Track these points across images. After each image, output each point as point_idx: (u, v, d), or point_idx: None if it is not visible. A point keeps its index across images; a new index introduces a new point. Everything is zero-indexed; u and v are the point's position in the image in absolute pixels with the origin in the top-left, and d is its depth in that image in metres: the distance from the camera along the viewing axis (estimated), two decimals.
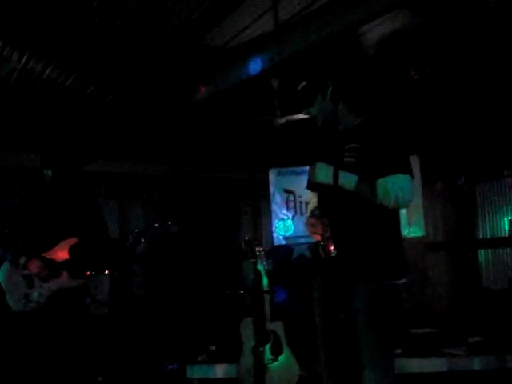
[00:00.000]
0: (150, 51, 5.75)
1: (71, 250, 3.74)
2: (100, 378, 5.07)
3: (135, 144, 8.05)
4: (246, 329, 4.81)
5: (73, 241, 3.78)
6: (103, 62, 5.97)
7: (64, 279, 3.70)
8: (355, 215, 2.80)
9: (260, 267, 4.89)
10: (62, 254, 3.71)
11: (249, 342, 4.78)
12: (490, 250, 8.77)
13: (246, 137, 8.36)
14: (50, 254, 3.70)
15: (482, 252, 8.86)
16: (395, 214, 2.89)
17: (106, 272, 6.97)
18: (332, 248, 2.60)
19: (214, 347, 5.76)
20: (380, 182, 2.71)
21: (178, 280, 8.76)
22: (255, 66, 5.17)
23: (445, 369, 5.18)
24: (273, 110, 6.82)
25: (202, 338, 6.25)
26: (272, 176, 8.51)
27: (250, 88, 6.29)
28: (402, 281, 2.84)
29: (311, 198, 3.21)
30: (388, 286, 2.79)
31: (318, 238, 2.67)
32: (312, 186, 3.03)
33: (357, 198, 2.78)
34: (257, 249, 4.92)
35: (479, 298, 8.09)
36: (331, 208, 2.83)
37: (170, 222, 4.13)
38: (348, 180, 2.70)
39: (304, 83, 2.90)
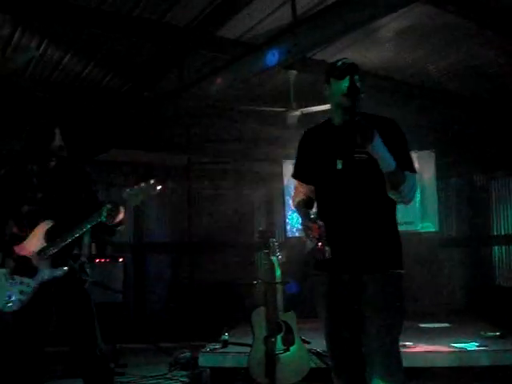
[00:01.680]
0: (166, 42, 5.79)
1: (48, 236, 3.39)
2: (112, 365, 5.10)
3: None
4: (258, 319, 4.83)
5: (49, 224, 3.42)
6: (120, 52, 6.02)
7: (45, 271, 3.37)
8: (361, 207, 2.80)
9: (273, 258, 4.91)
10: (36, 242, 3.38)
11: (260, 332, 4.80)
12: (503, 247, 8.72)
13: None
14: (24, 246, 3.41)
15: (495, 249, 8.82)
16: (395, 208, 2.91)
17: (121, 260, 6.99)
18: (327, 250, 2.64)
19: (226, 336, 5.79)
20: (409, 174, 2.73)
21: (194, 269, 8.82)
22: (272, 57, 5.18)
23: (456, 364, 5.18)
24: (288, 102, 6.83)
25: (215, 326, 6.29)
26: (286, 168, 8.51)
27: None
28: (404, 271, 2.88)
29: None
30: (395, 274, 2.82)
31: (314, 240, 2.68)
32: (305, 176, 3.08)
33: (364, 190, 2.80)
34: (270, 240, 4.94)
35: (492, 295, 8.07)
36: (334, 200, 2.85)
37: None
38: (391, 160, 2.65)
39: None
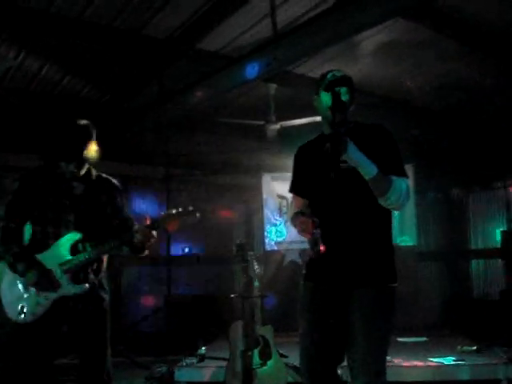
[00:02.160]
0: (146, 54, 5.78)
1: (73, 248, 3.18)
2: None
3: None
4: (236, 333, 4.79)
5: (76, 236, 3.20)
6: (101, 64, 5.99)
7: (66, 286, 3.15)
8: (355, 217, 2.79)
9: (251, 272, 4.89)
10: (60, 254, 3.16)
11: (238, 346, 4.76)
12: (481, 261, 8.79)
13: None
14: (46, 256, 3.17)
15: (473, 263, 8.88)
16: (390, 217, 2.91)
17: None
18: (322, 247, 2.60)
19: (203, 350, 5.75)
20: (395, 179, 2.72)
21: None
22: (252, 70, 5.18)
23: (433, 378, 5.18)
24: (268, 115, 6.84)
25: (192, 340, 6.23)
26: (265, 181, 8.51)
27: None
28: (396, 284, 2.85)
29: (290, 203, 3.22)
30: (388, 289, 2.80)
31: (308, 236, 2.64)
32: (301, 189, 3.06)
33: (356, 199, 2.79)
34: (248, 253, 4.92)
35: (470, 309, 8.10)
36: (328, 211, 2.82)
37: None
38: (371, 167, 2.66)
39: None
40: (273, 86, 6.62)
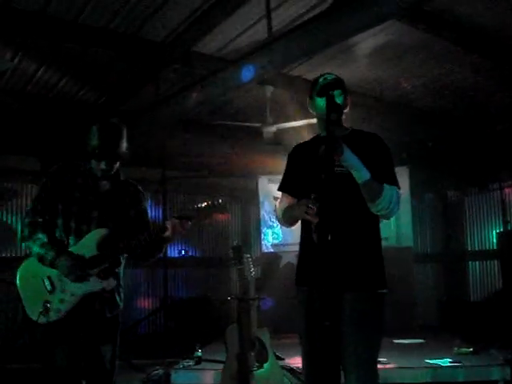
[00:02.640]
0: (141, 56, 5.78)
1: (100, 244, 3.08)
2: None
3: None
4: (232, 335, 4.78)
5: (103, 232, 3.12)
6: (97, 67, 5.99)
7: (94, 281, 3.05)
8: (345, 222, 2.80)
9: (247, 274, 4.88)
10: (87, 249, 3.05)
11: (234, 349, 4.75)
12: (477, 263, 8.81)
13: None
14: (77, 249, 3.06)
15: (469, 264, 8.90)
16: (378, 224, 2.93)
17: None
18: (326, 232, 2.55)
19: (199, 353, 5.74)
20: (387, 187, 2.74)
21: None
22: (248, 73, 5.19)
23: (429, 380, 5.18)
24: (264, 117, 6.84)
25: (189, 342, 6.22)
26: (261, 183, 8.52)
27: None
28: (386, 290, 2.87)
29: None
30: (379, 295, 2.82)
31: (310, 218, 2.63)
32: (291, 189, 3.05)
33: (347, 204, 2.80)
34: (244, 255, 4.91)
35: (466, 311, 8.11)
36: (317, 213, 2.82)
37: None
38: (364, 171, 2.69)
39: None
40: (269, 89, 6.62)
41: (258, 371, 4.70)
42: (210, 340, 6.81)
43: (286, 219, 3.04)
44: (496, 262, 8.34)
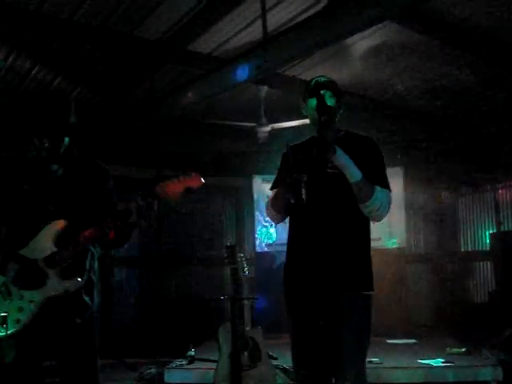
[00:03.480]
0: (137, 55, 5.78)
1: (58, 239, 2.66)
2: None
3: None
4: (225, 334, 4.79)
5: (60, 225, 2.69)
6: (92, 65, 5.99)
7: (53, 283, 2.62)
8: (336, 223, 2.81)
9: (241, 273, 4.89)
10: (43, 246, 2.64)
11: (227, 348, 4.76)
12: (470, 263, 8.84)
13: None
14: (26, 251, 2.65)
15: (463, 265, 8.93)
16: (369, 227, 2.94)
17: None
18: (304, 192, 2.56)
19: (192, 352, 5.74)
20: (378, 189, 2.76)
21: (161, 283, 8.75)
22: (242, 73, 5.19)
23: (422, 380, 5.20)
24: (259, 117, 6.85)
25: (182, 342, 6.23)
26: (256, 183, 8.52)
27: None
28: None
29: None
30: (365, 296, 2.83)
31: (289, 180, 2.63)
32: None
33: (339, 205, 2.82)
34: (238, 255, 4.92)
35: (459, 311, 8.14)
36: (308, 214, 2.84)
37: None
38: (356, 171, 2.71)
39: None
40: (264, 89, 6.63)
41: (251, 371, 4.71)
42: (203, 339, 6.81)
43: (274, 205, 3.01)
44: (489, 262, 8.38)
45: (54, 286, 2.63)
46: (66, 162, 2.80)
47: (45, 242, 2.66)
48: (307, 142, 3.06)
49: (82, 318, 2.74)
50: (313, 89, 2.84)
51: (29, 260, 2.63)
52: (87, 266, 2.81)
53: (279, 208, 2.99)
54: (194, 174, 2.69)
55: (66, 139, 2.77)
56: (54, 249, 2.65)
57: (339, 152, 2.67)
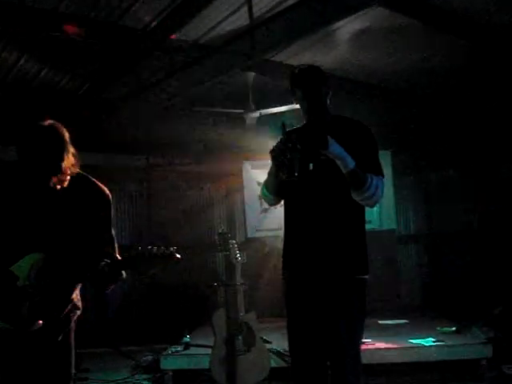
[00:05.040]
0: (123, 44, 5.76)
1: (33, 273, 2.45)
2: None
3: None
4: (219, 320, 4.84)
5: (34, 259, 2.46)
6: (76, 54, 5.96)
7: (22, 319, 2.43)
8: (331, 209, 2.85)
9: (233, 259, 4.93)
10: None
11: (221, 333, 4.81)
12: (459, 242, 8.89)
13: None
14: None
15: (452, 244, 8.99)
16: (363, 212, 2.97)
17: None
18: (295, 169, 2.58)
19: (188, 338, 5.79)
20: (371, 176, 2.77)
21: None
22: (230, 59, 5.21)
23: (413, 359, 5.28)
24: (247, 103, 6.86)
25: (177, 328, 6.27)
26: (245, 169, 8.53)
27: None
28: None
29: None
30: (359, 280, 2.88)
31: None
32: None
33: (333, 191, 2.85)
34: (230, 241, 4.96)
35: (449, 290, 8.22)
36: (304, 201, 2.89)
37: None
38: (349, 160, 2.71)
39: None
40: (251, 75, 6.63)
41: (246, 355, 4.77)
42: (199, 325, 6.87)
43: (268, 186, 3.04)
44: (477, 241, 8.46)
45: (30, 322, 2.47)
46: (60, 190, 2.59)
47: (18, 274, 2.45)
48: (302, 128, 3.05)
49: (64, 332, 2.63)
50: (298, 77, 2.88)
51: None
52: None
53: (272, 187, 3.01)
54: (171, 254, 2.64)
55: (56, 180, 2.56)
56: (26, 282, 2.45)
57: (332, 146, 2.67)
